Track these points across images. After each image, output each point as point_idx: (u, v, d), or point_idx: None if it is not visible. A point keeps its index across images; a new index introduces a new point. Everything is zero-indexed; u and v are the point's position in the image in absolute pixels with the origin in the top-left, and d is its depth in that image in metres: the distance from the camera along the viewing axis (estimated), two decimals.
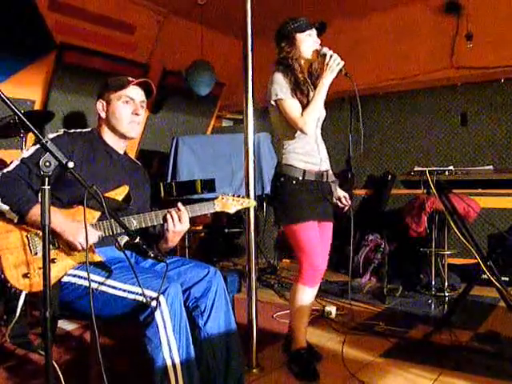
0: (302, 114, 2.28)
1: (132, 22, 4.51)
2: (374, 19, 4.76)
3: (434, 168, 2.69)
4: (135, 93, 1.95)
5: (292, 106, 2.29)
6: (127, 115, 1.93)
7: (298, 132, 2.33)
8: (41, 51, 4.00)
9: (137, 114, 1.94)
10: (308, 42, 2.35)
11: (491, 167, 2.72)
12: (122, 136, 1.97)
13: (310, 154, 2.37)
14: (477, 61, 4.31)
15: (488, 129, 4.53)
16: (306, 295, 2.38)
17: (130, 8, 4.39)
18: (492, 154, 4.50)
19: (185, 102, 5.35)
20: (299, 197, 2.32)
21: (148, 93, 2.01)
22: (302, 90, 2.32)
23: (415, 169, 2.73)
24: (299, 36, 2.34)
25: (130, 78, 1.97)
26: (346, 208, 2.56)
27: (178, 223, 1.83)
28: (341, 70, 2.27)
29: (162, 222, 1.85)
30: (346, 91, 4.64)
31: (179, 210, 1.83)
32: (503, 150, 4.45)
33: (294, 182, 2.33)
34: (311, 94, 2.35)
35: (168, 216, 1.82)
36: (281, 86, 2.29)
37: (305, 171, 2.33)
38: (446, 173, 2.66)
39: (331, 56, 2.26)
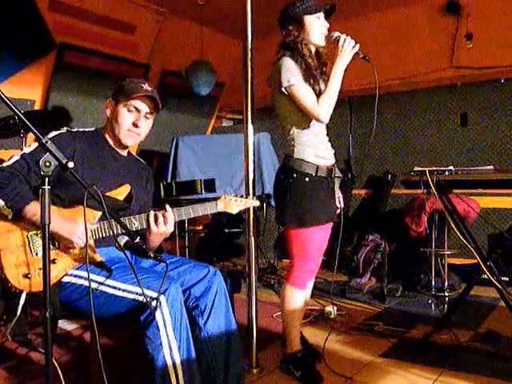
0: (317, 102, 2.12)
1: (132, 21, 4.51)
2: (374, 19, 4.76)
3: (434, 168, 2.68)
4: (142, 104, 1.92)
5: (307, 93, 2.13)
6: (127, 123, 1.92)
7: (312, 122, 2.18)
8: (41, 51, 3.99)
9: (136, 126, 1.92)
10: (317, 25, 2.19)
11: (491, 167, 2.71)
12: (119, 141, 1.97)
13: (319, 147, 2.23)
14: (477, 61, 4.31)
15: (488, 129, 4.53)
16: (296, 297, 2.31)
17: (130, 8, 4.39)
18: (492, 154, 4.49)
19: (185, 102, 5.35)
20: (313, 197, 2.18)
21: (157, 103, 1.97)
22: (314, 75, 2.16)
23: (415, 169, 2.72)
24: (308, 18, 2.19)
25: (145, 87, 1.91)
26: (338, 210, 2.40)
27: (161, 225, 1.79)
28: (357, 53, 2.12)
29: None
30: (346, 91, 4.66)
31: (166, 211, 1.80)
32: (503, 150, 4.45)
33: (308, 179, 2.17)
34: (321, 81, 2.22)
35: (151, 217, 1.79)
36: (292, 72, 2.12)
37: (318, 167, 2.18)
38: (446, 173, 2.65)
39: (345, 39, 2.10)
